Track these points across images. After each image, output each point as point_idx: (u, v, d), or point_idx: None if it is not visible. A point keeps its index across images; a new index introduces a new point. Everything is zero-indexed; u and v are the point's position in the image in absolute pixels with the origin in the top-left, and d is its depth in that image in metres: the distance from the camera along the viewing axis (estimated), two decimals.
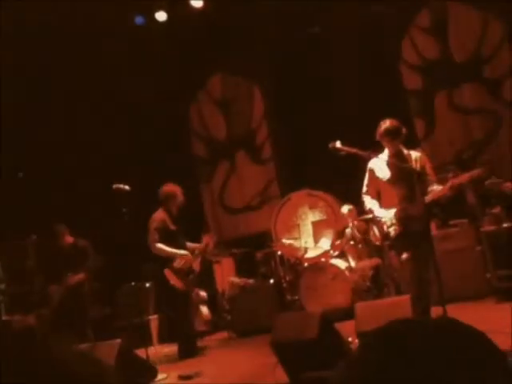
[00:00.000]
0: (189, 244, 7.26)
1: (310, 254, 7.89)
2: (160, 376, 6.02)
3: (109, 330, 7.91)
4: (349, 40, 8.83)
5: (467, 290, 6.76)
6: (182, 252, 6.99)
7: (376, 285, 7.51)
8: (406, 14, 8.96)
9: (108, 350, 5.40)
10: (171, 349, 7.60)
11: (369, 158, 5.77)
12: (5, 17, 7.15)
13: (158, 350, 7.89)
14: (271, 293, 8.04)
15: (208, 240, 7.31)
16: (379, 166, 5.76)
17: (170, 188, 7.15)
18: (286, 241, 8.00)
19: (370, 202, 5.78)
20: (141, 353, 6.16)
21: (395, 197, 5.66)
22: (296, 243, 7.98)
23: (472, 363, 0.78)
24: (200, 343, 7.25)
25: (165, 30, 9.17)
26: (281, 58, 9.73)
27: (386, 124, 5.59)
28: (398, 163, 5.65)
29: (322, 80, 9.08)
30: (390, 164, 5.69)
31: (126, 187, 6.48)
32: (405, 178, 5.61)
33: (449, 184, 5.38)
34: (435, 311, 5.67)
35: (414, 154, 5.74)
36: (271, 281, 8.20)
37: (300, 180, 8.70)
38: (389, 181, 5.70)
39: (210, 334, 8.33)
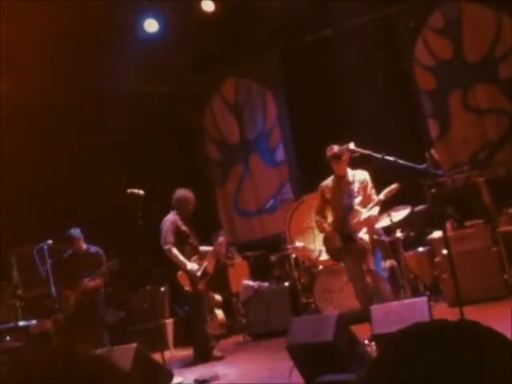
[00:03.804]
0: (202, 248, 7.30)
1: (325, 257, 7.84)
2: (176, 380, 6.03)
3: (124, 335, 7.94)
4: (362, 42, 8.80)
5: (484, 291, 6.69)
6: (190, 267, 7.03)
7: (392, 287, 7.46)
8: (419, 14, 8.92)
9: (124, 354, 5.42)
10: (187, 353, 7.61)
11: (382, 160, 5.78)
12: None
13: (173, 354, 7.90)
14: (286, 296, 8.01)
15: (220, 241, 7.37)
16: (329, 187, 6.22)
17: (182, 194, 7.25)
18: (298, 244, 7.98)
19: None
20: (156, 357, 6.17)
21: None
22: (310, 246, 7.96)
23: (493, 365, 0.77)
24: (217, 350, 7.23)
25: (179, 35, 9.20)
26: (293, 61, 9.72)
27: (329, 151, 6.03)
28: (336, 186, 6.13)
29: (334, 82, 9.06)
30: (332, 186, 6.17)
31: (141, 192, 6.52)
32: (340, 201, 6.07)
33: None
34: (452, 313, 5.63)
35: (359, 176, 6.11)
36: (286, 284, 8.18)
37: (313, 182, 8.67)
38: (331, 201, 6.17)
39: (225, 337, 8.32)
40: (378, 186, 6.19)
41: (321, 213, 6.31)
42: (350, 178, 6.09)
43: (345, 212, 6.05)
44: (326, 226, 6.21)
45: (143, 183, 6.84)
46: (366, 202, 5.97)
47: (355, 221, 5.96)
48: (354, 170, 6.14)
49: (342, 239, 6.04)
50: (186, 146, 10.50)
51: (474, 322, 0.85)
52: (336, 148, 5.98)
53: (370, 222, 6.01)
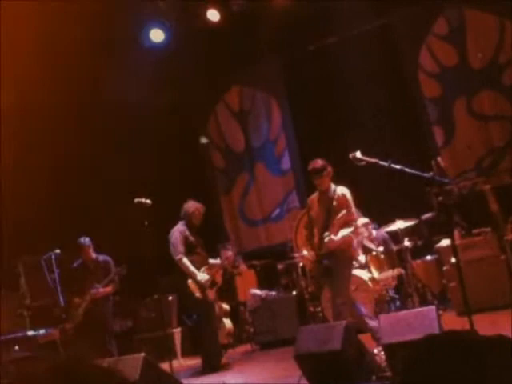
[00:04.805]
0: (210, 261, 7.31)
1: None
2: None
3: (131, 344, 7.95)
4: (365, 49, 8.82)
5: (493, 299, 6.67)
6: (200, 277, 7.05)
7: (400, 295, 7.45)
8: (423, 22, 8.94)
9: (132, 363, 5.40)
10: (195, 362, 7.60)
11: (389, 168, 5.77)
12: None
13: (181, 363, 7.90)
14: (293, 304, 8.00)
15: (227, 255, 7.40)
16: (314, 202, 5.97)
17: (191, 206, 7.27)
18: (306, 252, 7.97)
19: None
20: (164, 366, 6.17)
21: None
22: None
23: None
24: (225, 358, 7.24)
25: (184, 44, 9.25)
26: (297, 69, 9.75)
27: (311, 164, 5.78)
28: (318, 202, 5.87)
29: (338, 90, 9.08)
30: (316, 202, 5.91)
31: (148, 201, 6.55)
32: (321, 219, 5.81)
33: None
34: (461, 321, 5.61)
35: (337, 192, 5.81)
36: (293, 292, 8.16)
37: None
38: (314, 219, 5.92)
39: (233, 346, 8.32)
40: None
41: (308, 228, 6.05)
42: (331, 195, 5.81)
43: (324, 230, 5.78)
44: (307, 243, 6.03)
45: (149, 192, 6.86)
46: (342, 220, 5.74)
47: (326, 240, 5.71)
48: (336, 186, 5.85)
49: (318, 259, 5.82)
50: (191, 153, 10.53)
51: (506, 337, 0.86)
52: (320, 162, 5.71)
53: (342, 242, 5.73)
